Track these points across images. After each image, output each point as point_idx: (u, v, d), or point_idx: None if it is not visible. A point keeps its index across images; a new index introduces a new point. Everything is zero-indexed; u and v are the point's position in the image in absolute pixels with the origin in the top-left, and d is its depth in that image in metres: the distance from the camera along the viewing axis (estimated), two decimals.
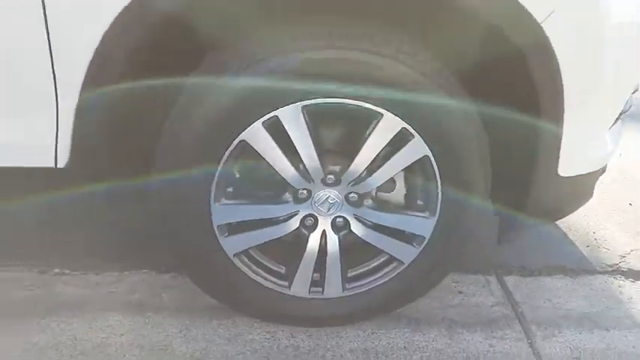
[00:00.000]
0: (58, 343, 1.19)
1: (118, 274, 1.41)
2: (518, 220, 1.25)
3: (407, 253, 1.19)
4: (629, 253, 1.62)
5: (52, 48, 0.86)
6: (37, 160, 0.99)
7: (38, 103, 0.93)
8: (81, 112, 0.92)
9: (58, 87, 0.89)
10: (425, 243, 1.17)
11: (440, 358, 1.22)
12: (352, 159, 1.07)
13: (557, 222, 1.72)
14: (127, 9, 0.83)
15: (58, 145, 0.96)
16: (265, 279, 1.19)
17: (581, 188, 1.20)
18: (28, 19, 0.86)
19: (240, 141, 1.01)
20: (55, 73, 0.88)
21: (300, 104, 0.99)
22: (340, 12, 0.94)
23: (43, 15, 0.85)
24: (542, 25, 0.91)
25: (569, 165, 1.10)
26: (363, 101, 0.99)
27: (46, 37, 0.86)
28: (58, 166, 1.00)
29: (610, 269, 1.54)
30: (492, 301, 1.41)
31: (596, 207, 1.83)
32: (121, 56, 0.87)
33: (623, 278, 1.51)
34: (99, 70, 0.87)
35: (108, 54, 0.86)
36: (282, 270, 1.21)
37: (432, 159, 1.06)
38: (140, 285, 1.39)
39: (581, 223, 1.76)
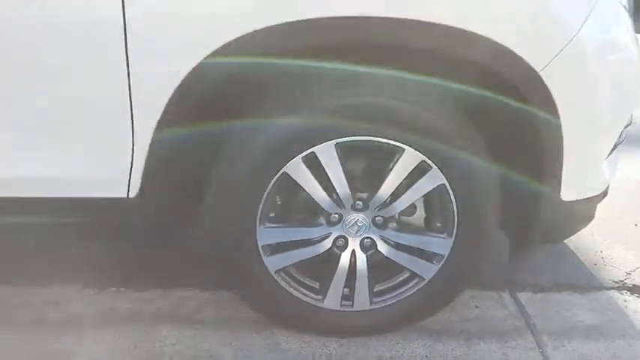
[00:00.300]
0: (117, 351, 1.35)
1: (163, 291, 1.58)
2: (527, 240, 1.40)
3: (427, 270, 1.34)
4: (634, 271, 1.74)
5: (132, 96, 1.05)
6: (111, 191, 1.18)
7: (116, 142, 1.11)
8: (153, 149, 1.10)
9: (135, 128, 1.08)
10: (444, 261, 1.32)
11: None
12: (378, 187, 1.23)
13: (567, 242, 1.85)
14: (196, 68, 1.01)
15: (131, 178, 1.14)
16: (302, 293, 1.35)
17: (582, 211, 1.34)
18: (113, 71, 1.04)
19: (282, 173, 1.19)
20: (134, 116, 1.06)
21: (334, 142, 1.16)
22: (371, 64, 1.12)
23: (126, 68, 1.03)
24: (540, 73, 1.07)
25: (570, 191, 1.25)
26: (388, 139, 1.16)
27: (127, 87, 1.04)
28: (130, 196, 1.18)
29: (616, 285, 1.67)
30: (506, 314, 1.54)
31: (603, 228, 1.96)
32: (190, 103, 1.05)
33: (628, 293, 1.63)
34: (171, 115, 1.06)
35: (179, 102, 1.04)
36: (317, 285, 1.36)
37: (448, 187, 1.22)
38: (186, 301, 1.55)
39: (589, 242, 1.88)
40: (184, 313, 1.50)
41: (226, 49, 1.01)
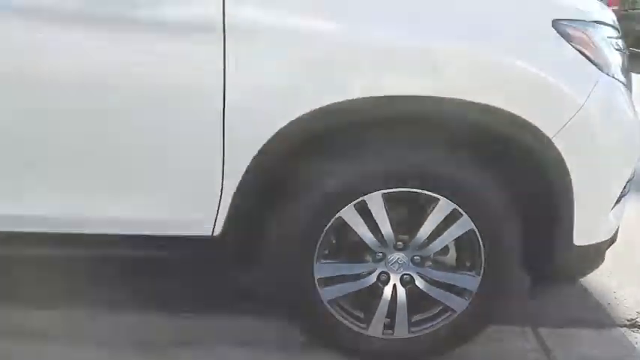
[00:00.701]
0: None
1: (228, 316, 1.80)
2: (546, 280, 1.60)
3: (458, 304, 1.54)
4: None
5: (225, 153, 1.31)
6: (198, 230, 1.43)
7: (207, 190, 1.37)
8: (236, 197, 1.36)
9: (224, 180, 1.34)
10: (472, 296, 1.53)
11: None
12: (417, 231, 1.46)
13: (584, 282, 2.03)
14: (277, 133, 1.28)
15: (217, 219, 1.39)
16: (349, 321, 1.56)
17: (593, 254, 1.55)
18: (211, 131, 1.30)
19: (337, 217, 1.43)
20: (224, 171, 1.33)
21: (380, 192, 1.41)
22: (414, 133, 1.38)
23: (222, 129, 1.29)
24: (552, 139, 1.31)
25: (582, 237, 1.46)
26: (426, 189, 1.40)
27: (222, 145, 1.31)
28: (214, 235, 1.43)
29: (628, 323, 1.84)
30: (528, 347, 1.73)
31: (617, 270, 2.14)
32: (269, 159, 1.31)
33: (639, 331, 1.81)
34: (254, 169, 1.32)
35: (267, 152, 1.30)
36: (362, 315, 1.58)
37: (477, 232, 1.44)
38: (247, 325, 1.76)
39: (604, 283, 2.07)
40: (249, 337, 1.71)
41: (300, 120, 1.28)
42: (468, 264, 1.52)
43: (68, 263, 1.56)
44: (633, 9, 9.41)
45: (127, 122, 1.31)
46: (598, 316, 1.89)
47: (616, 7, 9.12)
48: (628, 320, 1.87)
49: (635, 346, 1.73)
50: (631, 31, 8.85)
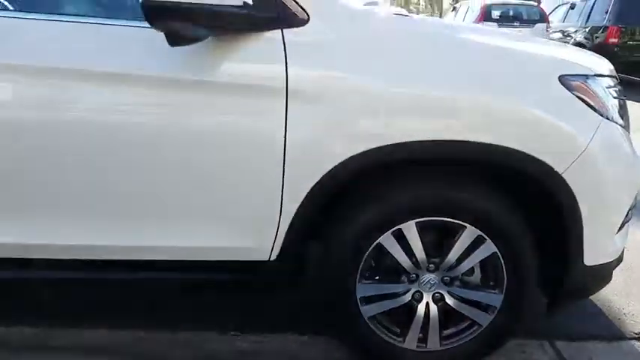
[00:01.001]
0: None
1: (275, 334, 2.00)
2: (560, 297, 1.81)
3: (484, 319, 1.75)
4: None
5: (284, 186, 1.55)
6: (256, 256, 1.66)
7: (266, 221, 1.59)
8: (291, 227, 1.59)
9: (282, 213, 1.57)
10: (496, 312, 1.74)
11: None
12: (446, 254, 1.68)
13: (594, 299, 2.23)
14: (330, 171, 1.51)
15: (275, 243, 1.62)
16: (387, 335, 1.77)
17: (601, 273, 1.76)
18: (272, 170, 1.53)
19: (377, 243, 1.65)
20: (282, 205, 1.56)
21: (414, 221, 1.63)
22: (444, 171, 1.62)
23: (282, 166, 1.52)
24: (562, 175, 1.54)
25: (590, 258, 1.67)
26: (454, 218, 1.62)
27: (281, 183, 1.54)
28: (270, 260, 1.65)
29: (636, 336, 2.03)
30: (547, 358, 1.92)
31: (627, 289, 2.34)
32: (326, 191, 1.54)
33: None
34: (308, 203, 1.55)
35: (318, 189, 1.53)
36: (398, 330, 1.78)
37: (499, 255, 1.66)
38: (293, 343, 1.97)
39: (614, 300, 2.26)
40: (292, 350, 1.92)
41: (347, 162, 1.52)
42: (491, 283, 1.73)
43: (142, 286, 1.79)
44: (632, 40, 9.76)
45: (206, 165, 1.55)
46: (610, 330, 2.08)
47: (615, 40, 9.47)
48: (636, 334, 2.05)
49: None
50: (626, 60, 9.21)
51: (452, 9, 14.71)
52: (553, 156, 1.54)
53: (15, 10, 1.63)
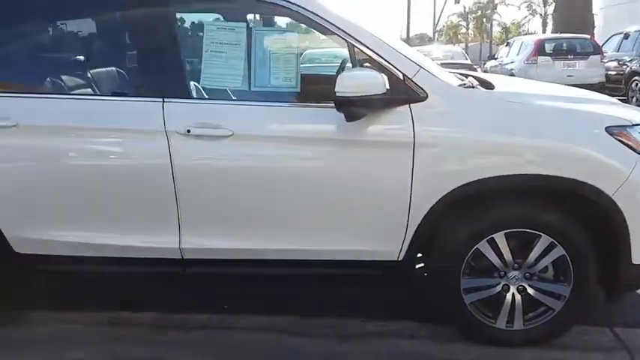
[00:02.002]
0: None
1: (383, 324, 2.67)
2: (614, 290, 2.40)
3: (556, 305, 2.36)
4: None
5: (410, 205, 2.24)
6: (386, 255, 2.35)
7: (396, 228, 2.29)
8: (416, 233, 2.28)
9: (409, 220, 2.26)
10: (565, 300, 2.35)
11: None
12: (527, 256, 2.32)
13: None
14: (449, 192, 2.20)
15: (402, 247, 2.31)
16: (482, 318, 2.41)
17: None
18: (403, 192, 2.23)
19: (476, 248, 2.32)
20: (410, 214, 2.25)
21: (503, 232, 2.29)
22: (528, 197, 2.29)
23: (410, 192, 2.22)
24: (612, 197, 2.17)
25: (638, 258, 2.27)
26: (533, 229, 2.27)
27: (409, 201, 2.24)
28: (399, 259, 2.35)
29: None
30: (607, 340, 2.49)
31: None
32: (443, 207, 2.23)
33: None
34: (431, 213, 2.24)
35: (437, 207, 2.22)
36: (491, 314, 2.41)
37: (567, 256, 2.28)
38: (408, 326, 2.62)
39: None
40: (409, 332, 2.58)
41: (460, 188, 2.20)
42: (562, 277, 2.35)
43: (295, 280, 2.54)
44: None
45: (357, 192, 2.28)
46: None
47: None
48: None
49: None
50: None
51: (505, 44, 15.22)
52: (605, 184, 2.18)
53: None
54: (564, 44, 12.20)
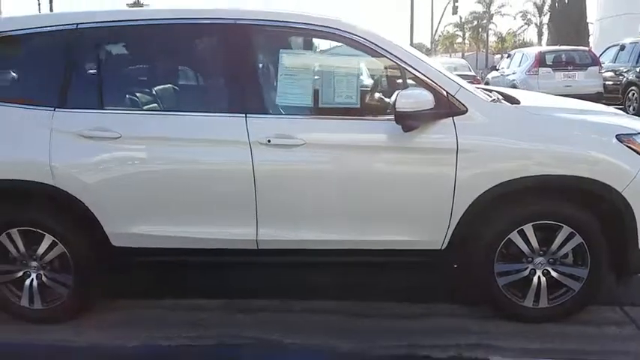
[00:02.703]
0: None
1: (427, 306, 3.10)
2: (623, 273, 2.84)
3: (576, 286, 2.79)
4: None
5: (454, 202, 2.67)
6: (431, 244, 2.79)
7: (440, 221, 2.73)
8: (458, 225, 2.71)
9: (452, 214, 2.68)
10: (583, 281, 2.78)
11: (593, 338, 2.74)
12: (551, 244, 2.75)
13: None
14: (487, 190, 2.64)
15: (445, 237, 2.75)
16: (513, 297, 2.83)
17: None
18: (447, 182, 2.67)
19: (507, 238, 2.75)
20: (453, 208, 2.68)
21: (531, 224, 2.73)
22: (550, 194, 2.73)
23: (453, 190, 2.67)
24: (622, 193, 2.62)
25: None
26: (556, 222, 2.71)
27: (452, 199, 2.67)
28: (441, 248, 2.78)
29: None
30: (617, 316, 2.92)
31: None
32: (480, 203, 2.65)
33: None
34: (470, 208, 2.67)
35: (475, 203, 2.65)
36: (520, 294, 2.84)
37: (584, 243, 2.72)
38: (449, 307, 3.06)
39: None
40: (450, 311, 3.01)
41: (496, 187, 2.64)
42: (580, 262, 2.78)
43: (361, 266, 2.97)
44: None
45: (409, 190, 2.71)
46: None
47: None
48: None
49: None
50: None
51: (506, 56, 15.75)
52: (615, 182, 2.62)
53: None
54: (563, 56, 12.71)
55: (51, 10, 28.86)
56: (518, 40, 63.14)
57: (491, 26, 61.40)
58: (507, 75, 13.41)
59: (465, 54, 62.09)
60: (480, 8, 59.12)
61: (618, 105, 10.74)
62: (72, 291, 2.94)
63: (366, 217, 2.79)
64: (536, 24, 56.04)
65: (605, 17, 24.30)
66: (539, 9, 53.91)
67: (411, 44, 15.94)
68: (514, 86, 11.51)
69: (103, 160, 2.76)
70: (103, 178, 2.76)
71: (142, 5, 51.35)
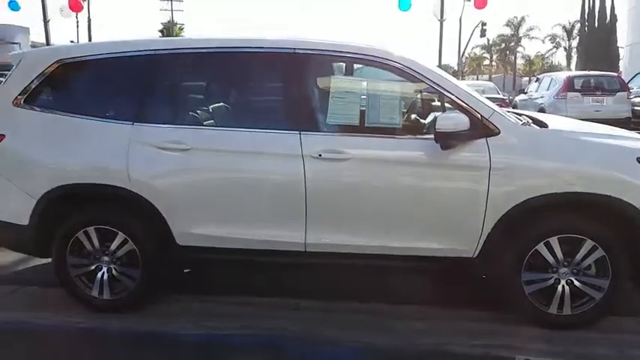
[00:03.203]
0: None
1: (456, 311, 3.37)
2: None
3: (597, 295, 3.03)
4: None
5: (486, 215, 2.97)
6: (464, 253, 3.07)
7: (473, 231, 3.01)
8: (489, 235, 3.00)
9: (484, 225, 2.98)
10: (604, 291, 3.02)
11: (613, 343, 2.97)
12: (574, 256, 3.01)
13: None
14: (523, 202, 2.92)
15: (477, 247, 3.03)
16: (539, 304, 3.08)
17: None
18: (481, 194, 2.96)
19: (535, 249, 3.02)
20: (485, 219, 2.97)
21: (556, 237, 2.99)
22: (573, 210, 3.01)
23: (485, 205, 2.96)
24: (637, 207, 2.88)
25: None
26: (580, 235, 2.97)
27: (485, 203, 2.95)
28: (473, 257, 3.07)
29: None
30: (635, 326, 3.15)
31: None
32: (510, 216, 2.95)
33: None
34: (501, 222, 2.96)
35: (505, 217, 2.95)
36: (545, 301, 3.09)
37: (606, 257, 2.97)
38: (478, 313, 3.32)
39: None
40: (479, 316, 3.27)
41: (525, 202, 2.92)
42: (601, 273, 3.03)
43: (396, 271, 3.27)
44: None
45: (444, 204, 3.02)
46: None
47: None
48: None
49: None
50: None
51: (535, 80, 15.93)
52: (633, 199, 2.88)
53: None
54: (592, 81, 12.86)
55: (89, 33, 30.36)
56: (547, 63, 62.99)
57: (519, 49, 61.48)
58: (536, 98, 13.59)
59: (492, 76, 62.16)
60: (507, 31, 59.32)
61: None
62: (138, 284, 3.31)
63: (404, 226, 3.10)
64: (565, 47, 55.93)
65: (635, 43, 24.30)
66: (569, 33, 53.85)
67: (439, 65, 16.24)
68: (542, 110, 11.70)
69: (174, 168, 3.15)
70: (173, 184, 3.15)
71: (175, 25, 53.28)
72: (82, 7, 22.75)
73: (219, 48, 3.29)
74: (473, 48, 59.53)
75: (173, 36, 52.05)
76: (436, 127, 2.87)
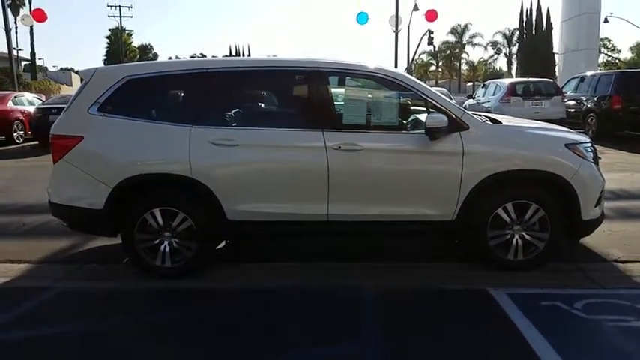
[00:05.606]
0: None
1: (441, 263, 4.45)
2: (571, 237, 4.27)
3: (541, 245, 4.18)
4: (620, 255, 4.51)
5: (461, 187, 4.06)
6: (447, 217, 4.16)
7: (451, 199, 4.10)
8: (465, 203, 4.08)
9: (460, 195, 4.06)
10: (546, 241, 4.18)
11: (554, 276, 4.14)
12: (524, 217, 4.14)
13: (587, 241, 4.64)
14: (485, 178, 4.04)
15: (455, 211, 4.12)
16: (500, 252, 4.20)
17: (590, 225, 4.21)
18: (454, 179, 4.05)
19: (496, 213, 4.15)
20: (460, 190, 4.06)
21: (511, 203, 4.13)
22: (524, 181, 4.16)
23: (459, 179, 4.04)
24: (569, 180, 4.05)
25: (585, 216, 4.13)
26: (528, 201, 4.12)
27: (460, 179, 4.05)
28: (453, 219, 4.16)
29: (619, 259, 4.44)
30: (568, 266, 4.32)
31: (607, 242, 4.74)
32: (481, 187, 4.05)
33: (627, 264, 4.40)
34: (474, 190, 4.05)
35: (476, 188, 4.04)
36: (504, 251, 4.21)
37: (547, 216, 4.12)
38: (454, 263, 4.42)
39: (600, 243, 4.67)
40: (450, 264, 4.36)
41: (490, 177, 4.04)
42: (543, 229, 4.18)
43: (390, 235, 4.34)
44: (632, 106, 12.29)
45: (427, 180, 4.09)
46: (597, 256, 4.51)
47: (619, 106, 12.02)
48: (617, 258, 4.47)
49: (632, 272, 4.29)
50: (630, 121, 11.69)
51: (482, 86, 17.53)
52: (565, 173, 4.06)
53: None
54: (532, 86, 14.52)
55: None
56: (489, 68, 66.43)
57: (463, 55, 64.60)
58: (482, 102, 15.12)
59: (439, 81, 64.88)
60: (452, 38, 62.29)
61: (579, 129, 12.45)
62: (194, 253, 4.20)
63: (404, 198, 4.16)
64: (505, 54, 59.34)
65: (567, 51, 26.66)
66: (509, 40, 57.22)
67: None
68: (488, 112, 13.15)
69: (226, 159, 4.08)
70: (225, 172, 4.08)
71: (124, 31, 53.18)
72: (47, 17, 22.78)
73: (258, 67, 4.31)
74: (420, 54, 62.07)
75: (121, 42, 52.48)
76: (426, 124, 3.96)
